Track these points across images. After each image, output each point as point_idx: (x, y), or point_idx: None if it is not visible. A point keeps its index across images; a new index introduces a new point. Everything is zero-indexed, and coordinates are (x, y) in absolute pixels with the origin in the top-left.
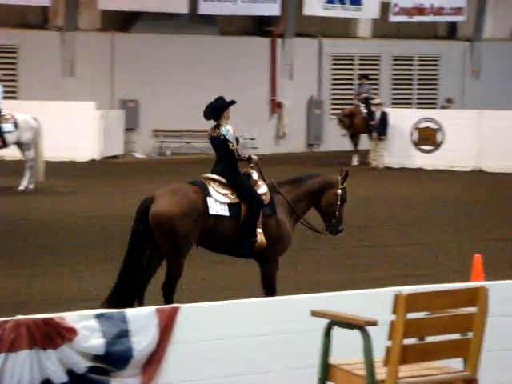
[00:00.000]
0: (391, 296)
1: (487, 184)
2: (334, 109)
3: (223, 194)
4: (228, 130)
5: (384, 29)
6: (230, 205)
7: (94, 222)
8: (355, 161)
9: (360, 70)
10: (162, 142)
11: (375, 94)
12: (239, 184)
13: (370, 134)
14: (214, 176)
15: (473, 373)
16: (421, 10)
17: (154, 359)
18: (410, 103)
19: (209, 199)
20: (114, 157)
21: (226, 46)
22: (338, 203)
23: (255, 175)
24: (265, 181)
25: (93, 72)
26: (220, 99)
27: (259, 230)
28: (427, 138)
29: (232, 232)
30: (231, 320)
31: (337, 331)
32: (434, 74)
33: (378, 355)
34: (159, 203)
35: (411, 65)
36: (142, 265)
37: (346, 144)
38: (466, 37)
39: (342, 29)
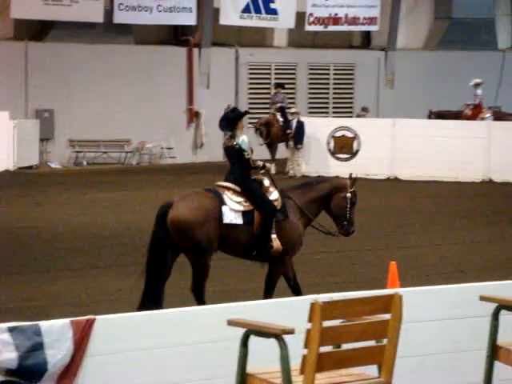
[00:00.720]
0: (307, 304)
1: (402, 192)
2: (251, 118)
3: (237, 202)
4: (243, 140)
5: (300, 38)
6: (243, 212)
7: (7, 232)
8: (273, 169)
9: (276, 79)
10: (78, 151)
11: (292, 103)
12: (252, 191)
13: (286, 142)
14: (228, 184)
15: (387, 379)
16: (336, 20)
17: (69, 372)
18: (326, 112)
19: (223, 208)
20: (29, 167)
21: (143, 56)
22: (348, 206)
23: (267, 182)
24: (276, 187)
25: (6, 81)
26: (235, 110)
27: (274, 236)
28: (343, 146)
29: (246, 238)
30: (148, 331)
31: (254, 340)
32: (350, 83)
33: (295, 363)
34: (177, 209)
35: (327, 74)
36: (165, 268)
37: (263, 153)
38: (380, 46)
39: (259, 38)
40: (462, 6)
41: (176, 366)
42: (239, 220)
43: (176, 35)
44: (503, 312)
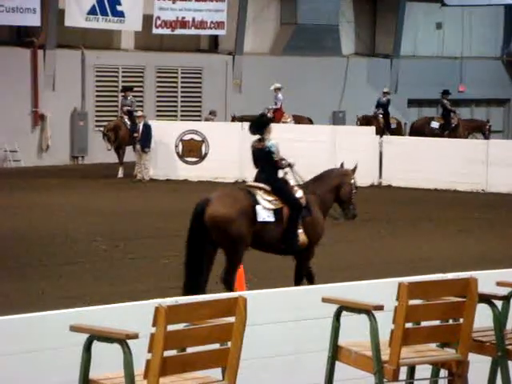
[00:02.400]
0: (152, 308)
1: None
2: (98, 121)
3: (269, 201)
4: (273, 143)
5: (147, 41)
6: (274, 210)
7: None
8: (120, 173)
9: (124, 82)
10: None
11: (140, 106)
12: (282, 190)
13: (134, 146)
14: (260, 184)
15: (231, 381)
16: (183, 24)
17: None
18: (174, 115)
19: (257, 207)
20: None
21: None
22: (354, 191)
23: (292, 182)
24: (299, 184)
25: None
26: (263, 116)
27: (300, 231)
28: (192, 149)
29: (276, 234)
30: None
31: (99, 345)
32: (198, 87)
33: (140, 368)
34: (214, 205)
35: (175, 77)
36: (203, 260)
37: (111, 156)
38: (228, 50)
39: (105, 40)
40: (308, 12)
41: (18, 373)
42: (271, 218)
43: (19, 36)
44: (344, 313)
